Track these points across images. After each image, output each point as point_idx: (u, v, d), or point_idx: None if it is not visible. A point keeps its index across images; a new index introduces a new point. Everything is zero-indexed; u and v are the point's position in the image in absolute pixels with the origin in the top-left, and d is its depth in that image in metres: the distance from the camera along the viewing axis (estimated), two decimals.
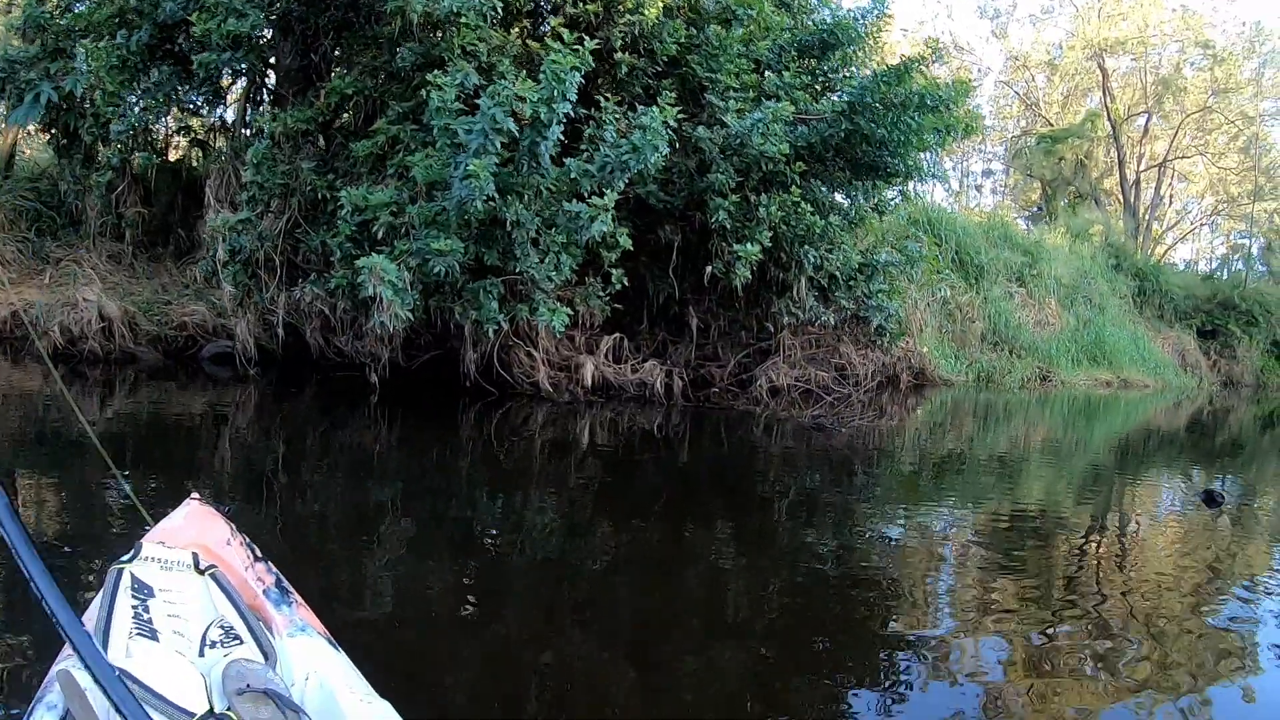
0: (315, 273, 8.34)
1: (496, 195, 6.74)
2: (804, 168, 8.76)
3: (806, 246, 8.98)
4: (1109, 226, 25.59)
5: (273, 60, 9.79)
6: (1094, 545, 5.10)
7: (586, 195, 6.98)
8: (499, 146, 6.43)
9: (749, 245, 8.24)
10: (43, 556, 1.39)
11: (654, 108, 6.93)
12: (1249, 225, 29.41)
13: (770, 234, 8.54)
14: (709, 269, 8.80)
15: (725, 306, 10.58)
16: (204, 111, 11.56)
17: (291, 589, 2.06)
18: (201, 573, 1.89)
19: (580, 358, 9.16)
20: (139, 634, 1.59)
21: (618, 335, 9.75)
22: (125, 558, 1.84)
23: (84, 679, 1.36)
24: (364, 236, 7.55)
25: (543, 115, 6.21)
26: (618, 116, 7.14)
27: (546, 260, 7.69)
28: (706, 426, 8.26)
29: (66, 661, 1.50)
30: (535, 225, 7.32)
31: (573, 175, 6.88)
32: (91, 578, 2.84)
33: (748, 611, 3.44)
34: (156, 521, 2.12)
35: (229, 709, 1.45)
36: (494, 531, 4.24)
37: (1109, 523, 5.89)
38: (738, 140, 8.12)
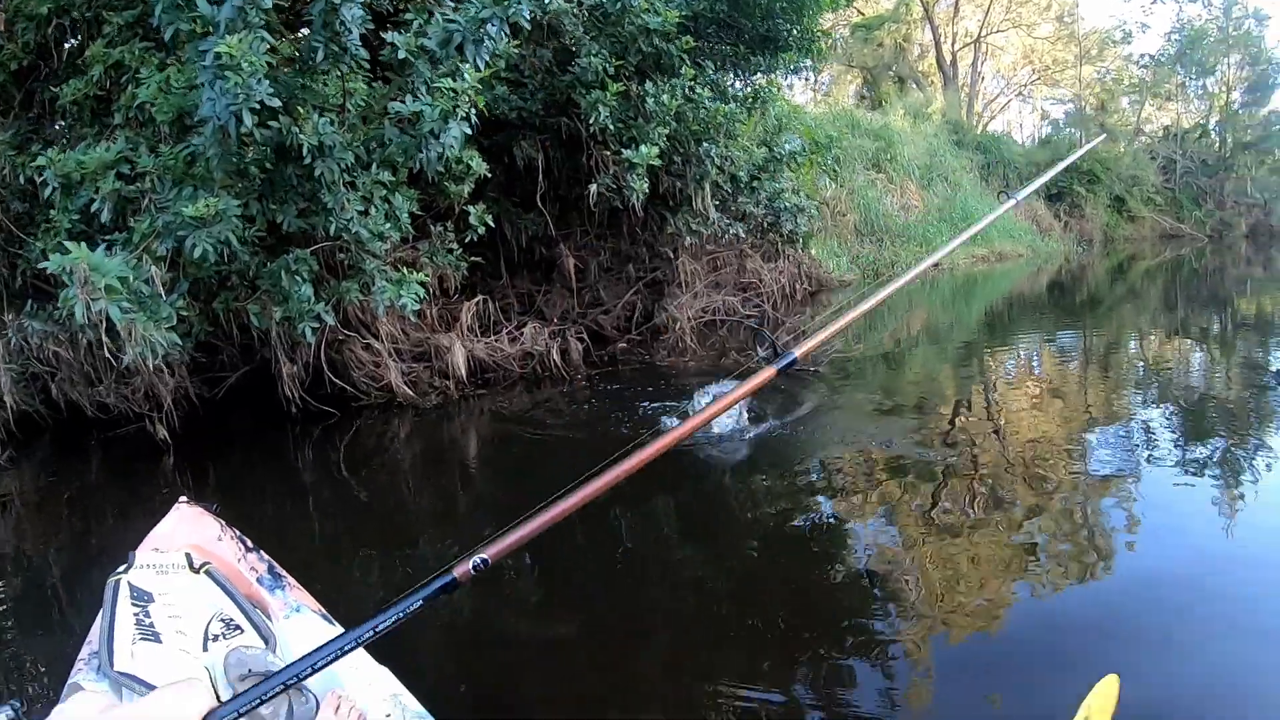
0: (34, 301, 5.59)
1: (280, 110, 4.35)
2: (692, 43, 6.76)
3: (707, 144, 7.04)
4: (948, 104, 25.29)
5: None
6: (987, 415, 5.52)
7: (425, 88, 4.61)
8: (269, 8, 3.98)
9: (642, 148, 6.20)
10: None
11: None
12: (1078, 87, 29.88)
13: (665, 132, 6.54)
14: (593, 188, 6.67)
15: (605, 237, 8.58)
16: None
17: (284, 573, 2.10)
18: (197, 571, 1.91)
19: (441, 339, 6.86)
20: (142, 639, 1.60)
21: (480, 299, 7.52)
22: (120, 569, 1.85)
23: (93, 686, 1.46)
24: (94, 226, 4.97)
25: None
26: None
27: (374, 209, 5.41)
28: (625, 397, 6.29)
29: (78, 675, 1.55)
30: (348, 156, 4.98)
31: (401, 54, 4.45)
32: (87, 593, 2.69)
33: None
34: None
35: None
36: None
37: (995, 392, 6.26)
38: (617, 5, 6.00)
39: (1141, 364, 7.43)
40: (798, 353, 1.05)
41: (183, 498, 2.29)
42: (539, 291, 8.78)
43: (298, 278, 5.15)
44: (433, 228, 6.52)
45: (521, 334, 7.56)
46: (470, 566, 0.88)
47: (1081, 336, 9.15)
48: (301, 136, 4.51)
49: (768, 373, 1.04)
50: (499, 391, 6.78)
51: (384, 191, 5.49)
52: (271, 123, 4.40)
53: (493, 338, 7.45)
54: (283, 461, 5.38)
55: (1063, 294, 14.65)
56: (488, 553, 0.89)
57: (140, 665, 1.51)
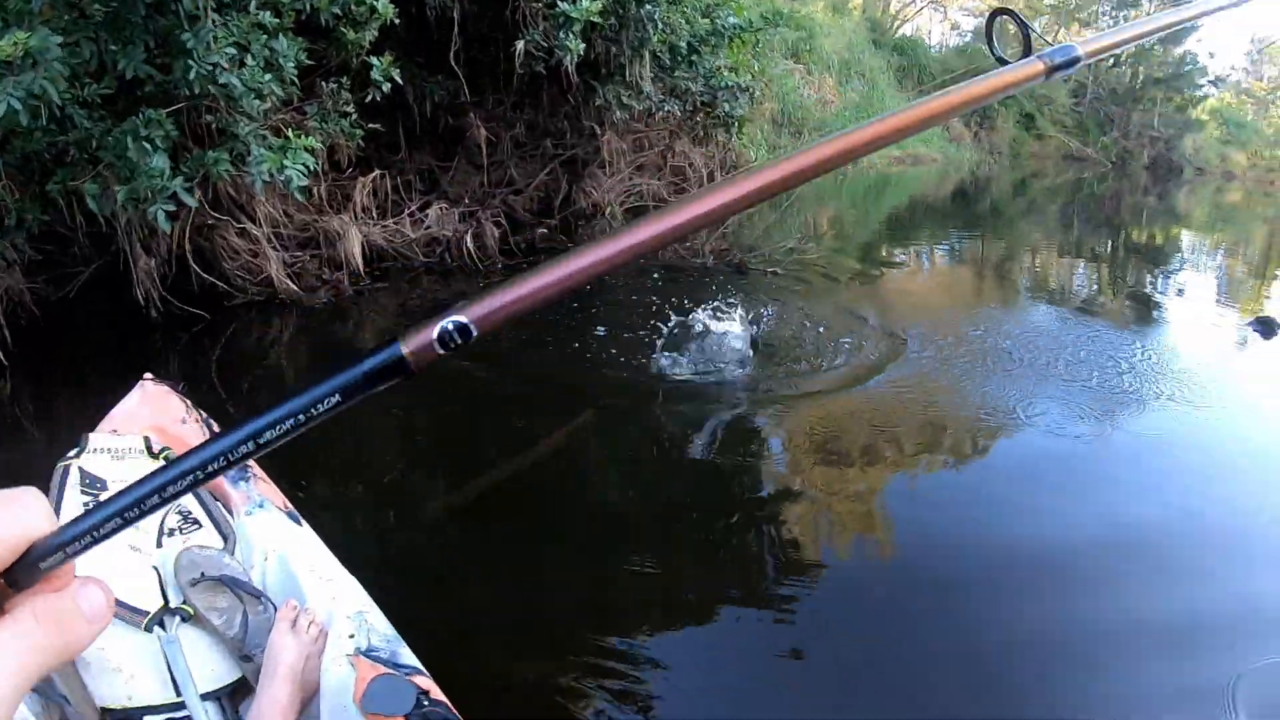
0: None
1: None
2: None
3: (650, 5, 6.11)
4: (867, 1, 24.55)
5: None
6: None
7: None
8: None
9: (582, 2, 5.26)
10: None
11: None
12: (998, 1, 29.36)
13: None
14: (519, 45, 5.68)
15: (521, 108, 7.58)
16: None
17: (252, 463, 1.79)
18: (155, 456, 1.74)
19: (332, 222, 5.82)
20: None
21: (377, 174, 6.47)
22: (71, 453, 1.67)
23: None
24: None
25: None
26: None
27: (250, 59, 4.35)
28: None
29: None
30: None
31: None
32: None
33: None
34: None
35: (184, 602, 1.39)
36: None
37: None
38: None
39: (1033, 278, 8.01)
40: (1081, 49, 0.60)
41: (147, 375, 2.06)
42: (442, 168, 7.76)
43: (148, 145, 4.05)
44: (324, 85, 5.44)
45: (426, 216, 6.62)
46: (433, 337, 0.26)
47: (979, 243, 9.94)
48: None
49: (1032, 68, 0.57)
50: (400, 285, 5.88)
51: (264, 37, 4.42)
52: None
53: (392, 221, 6.48)
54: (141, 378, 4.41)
55: (966, 202, 15.20)
56: (469, 314, 0.27)
57: (85, 560, 1.16)
